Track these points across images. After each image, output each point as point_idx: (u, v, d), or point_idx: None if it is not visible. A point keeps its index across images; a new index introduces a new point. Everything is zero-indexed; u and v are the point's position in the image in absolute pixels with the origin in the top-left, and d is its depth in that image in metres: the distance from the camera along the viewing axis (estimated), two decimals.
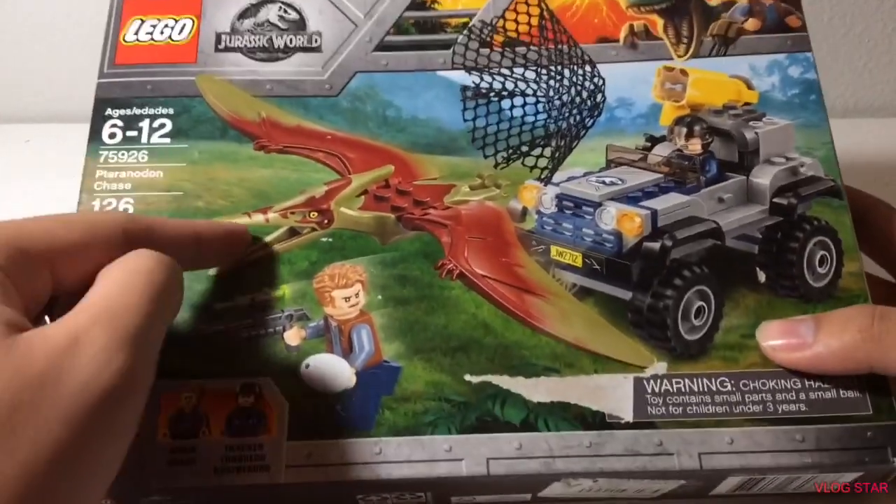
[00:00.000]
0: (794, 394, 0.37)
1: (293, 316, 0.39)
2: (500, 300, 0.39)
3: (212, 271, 0.39)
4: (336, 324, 0.38)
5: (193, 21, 0.46)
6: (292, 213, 0.41)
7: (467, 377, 0.37)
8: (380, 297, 0.39)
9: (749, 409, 0.36)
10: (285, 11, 0.46)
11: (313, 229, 0.40)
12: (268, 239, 0.40)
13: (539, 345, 0.38)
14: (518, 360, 0.37)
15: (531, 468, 0.36)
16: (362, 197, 0.42)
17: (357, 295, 0.39)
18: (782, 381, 0.37)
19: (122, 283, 0.31)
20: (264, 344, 0.38)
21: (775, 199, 0.41)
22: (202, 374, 0.37)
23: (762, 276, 0.40)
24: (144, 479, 0.35)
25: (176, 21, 0.46)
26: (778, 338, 0.37)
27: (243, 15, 0.46)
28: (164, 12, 0.46)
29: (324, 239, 0.40)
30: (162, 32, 0.45)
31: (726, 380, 0.37)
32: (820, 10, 0.59)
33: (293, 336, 0.38)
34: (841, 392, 0.36)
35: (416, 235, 0.40)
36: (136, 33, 0.45)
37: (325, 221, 0.41)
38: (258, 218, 0.41)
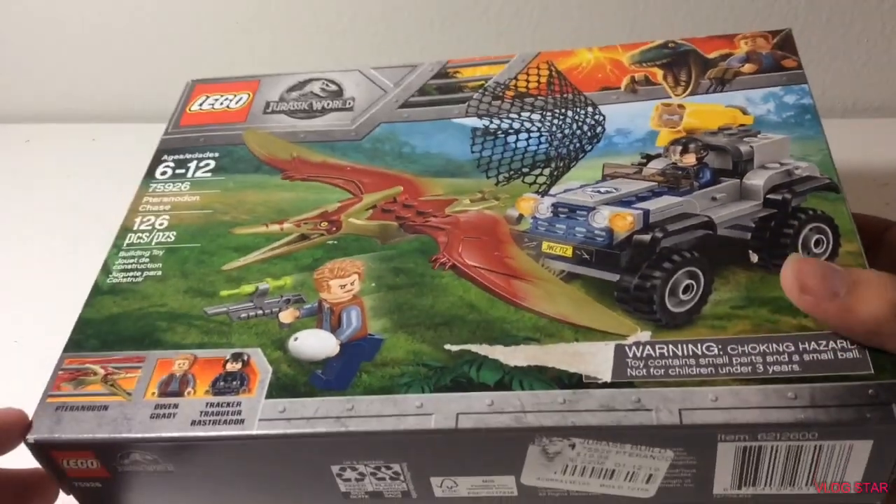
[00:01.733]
0: (786, 356, 0.34)
1: (290, 300, 0.41)
2: (487, 284, 0.39)
3: (224, 266, 0.42)
4: (329, 305, 0.40)
5: (249, 95, 0.53)
6: (305, 223, 0.44)
7: (447, 346, 0.37)
8: (373, 284, 0.40)
9: (736, 370, 0.34)
10: (326, 85, 0.53)
11: (322, 235, 0.43)
12: (279, 242, 0.43)
13: (521, 319, 0.38)
14: (499, 333, 0.37)
15: (501, 422, 0.34)
16: (370, 210, 0.45)
17: (353, 283, 0.41)
18: (774, 344, 0.35)
19: None
20: (259, 323, 0.40)
21: (769, 195, 0.41)
22: (198, 346, 0.39)
23: (755, 258, 0.39)
24: (125, 430, 0.36)
25: (235, 95, 0.53)
26: (810, 278, 0.34)
27: (292, 89, 0.53)
28: (227, 91, 0.53)
29: (330, 242, 0.43)
30: (221, 103, 0.53)
31: (713, 345, 0.35)
32: (819, 9, 0.60)
33: (287, 316, 0.40)
34: (839, 354, 0.34)
35: (415, 237, 0.43)
36: (201, 105, 0.53)
37: (334, 229, 0.44)
38: (274, 228, 0.44)
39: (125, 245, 0.45)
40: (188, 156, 0.49)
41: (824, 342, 0.34)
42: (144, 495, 0.39)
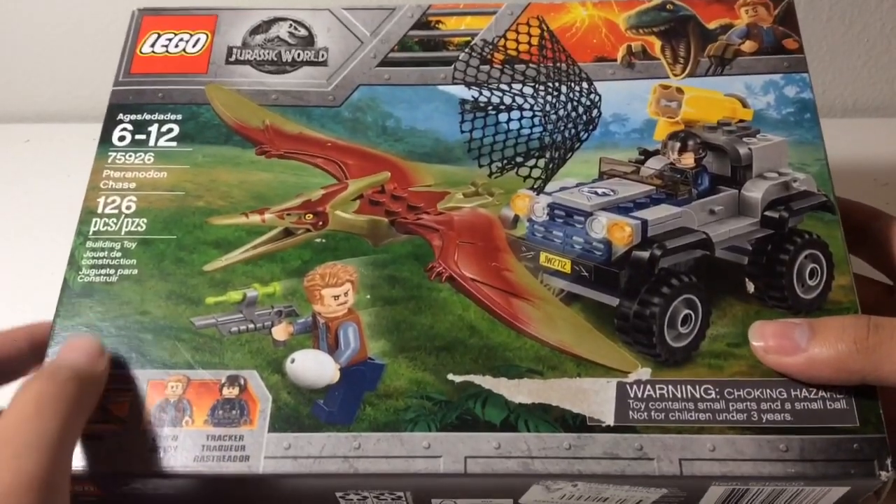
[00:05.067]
0: (779, 403, 0.36)
1: (282, 312, 0.39)
2: (487, 303, 0.39)
3: (206, 266, 0.40)
4: (324, 321, 0.39)
5: (207, 36, 0.48)
6: (288, 214, 0.42)
7: (450, 376, 0.37)
8: (368, 296, 0.39)
9: (732, 416, 0.36)
10: (295, 28, 0.48)
11: (307, 230, 0.41)
12: (262, 238, 0.41)
13: (523, 347, 0.38)
14: (502, 362, 0.38)
15: (509, 468, 0.35)
16: (357, 201, 0.42)
17: (346, 294, 0.40)
18: (767, 390, 0.36)
19: (16, 411, 0.32)
20: (252, 339, 0.39)
21: (767, 213, 0.41)
22: (190, 365, 0.38)
23: (751, 287, 0.39)
24: (126, 465, 0.36)
25: (191, 35, 0.48)
26: (771, 339, 0.36)
27: (255, 31, 0.48)
28: (181, 28, 0.48)
29: (317, 240, 0.41)
30: (177, 46, 0.47)
31: (710, 387, 0.37)
32: (819, 10, 0.59)
33: (281, 332, 0.39)
34: (827, 403, 0.36)
35: (407, 239, 0.41)
36: (153, 46, 0.47)
37: (320, 223, 0.42)
38: (255, 218, 0.42)
39: (91, 233, 0.41)
40: (147, 116, 0.45)
41: (814, 390, 0.36)
42: None
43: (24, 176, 0.60)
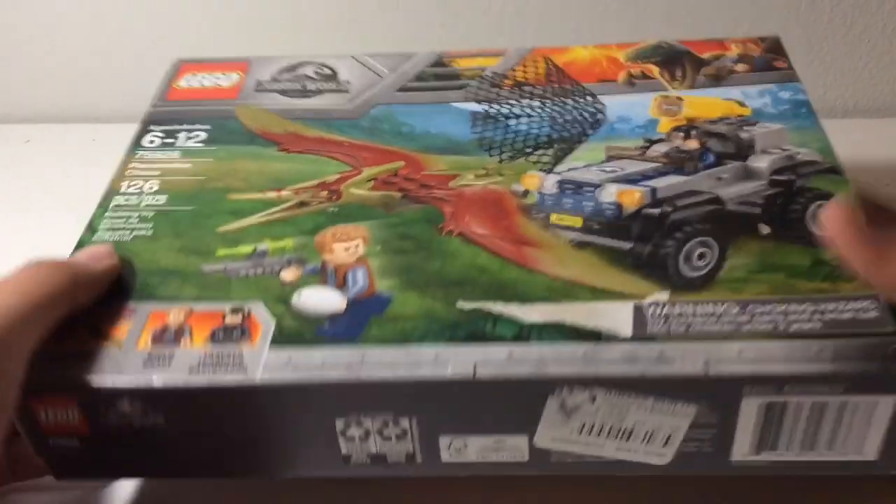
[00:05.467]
0: (807, 315, 0.34)
1: (291, 261, 0.39)
2: (496, 249, 0.39)
3: (220, 228, 0.41)
4: (333, 267, 0.38)
5: (239, 74, 0.52)
6: (304, 191, 0.43)
7: (460, 304, 0.36)
8: (379, 247, 0.39)
9: (758, 327, 0.34)
10: (320, 68, 0.52)
11: (321, 203, 0.42)
12: (278, 208, 0.42)
13: (535, 281, 0.37)
14: (513, 293, 0.36)
15: (521, 372, 0.33)
16: (371, 181, 0.44)
17: (357, 247, 0.40)
18: (794, 305, 0.35)
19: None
20: (260, 279, 0.38)
21: (774, 177, 0.41)
22: (194, 299, 0.37)
23: (765, 230, 0.39)
24: (116, 377, 0.34)
25: (224, 74, 0.52)
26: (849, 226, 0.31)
27: (284, 70, 0.52)
28: (216, 70, 0.52)
29: (331, 209, 0.42)
30: (211, 81, 0.51)
31: (733, 304, 0.35)
32: (820, 10, 0.61)
33: (289, 274, 0.38)
34: (859, 313, 0.34)
35: (420, 207, 0.42)
36: (189, 82, 0.51)
37: (334, 198, 0.42)
38: (270, 195, 0.43)
39: (112, 206, 0.42)
40: (177, 126, 0.48)
41: (843, 303, 0.34)
42: (125, 457, 0.36)
43: (24, 176, 0.59)
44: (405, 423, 0.34)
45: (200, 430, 0.35)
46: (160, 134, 0.47)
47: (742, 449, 0.35)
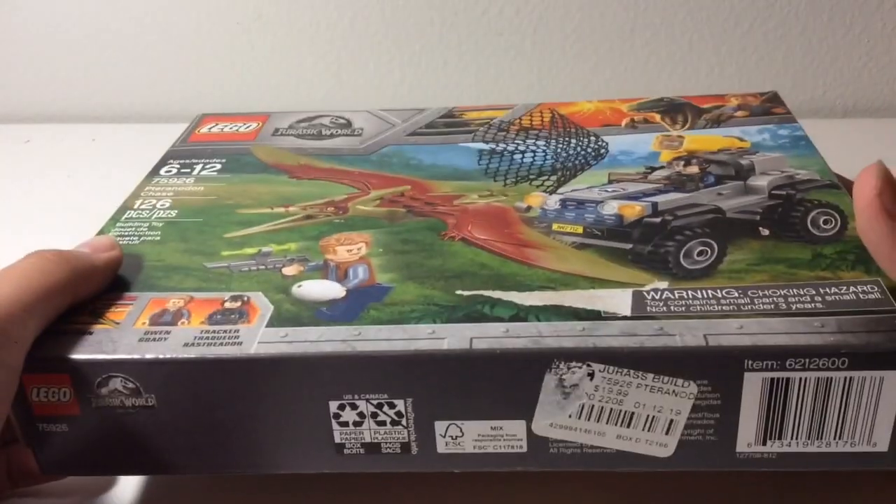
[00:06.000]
0: (808, 297, 0.34)
1: (294, 259, 0.39)
2: (498, 251, 0.39)
3: (227, 234, 0.41)
4: (335, 264, 0.39)
5: (259, 124, 0.54)
6: (311, 207, 0.44)
7: (459, 291, 0.36)
8: (381, 249, 0.40)
9: (759, 307, 0.33)
10: (336, 119, 0.54)
11: (327, 216, 0.43)
12: (285, 219, 0.43)
13: (534, 274, 0.37)
14: (513, 283, 0.36)
15: (518, 345, 0.32)
16: (378, 200, 0.44)
17: (360, 248, 0.40)
18: (794, 289, 0.34)
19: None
20: (262, 274, 0.38)
21: (774, 192, 0.42)
22: (195, 289, 0.37)
23: (765, 232, 0.39)
24: (109, 351, 0.34)
25: (245, 124, 0.54)
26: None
27: (301, 120, 0.54)
28: (237, 121, 0.55)
29: (336, 220, 0.43)
30: (231, 128, 0.54)
31: (733, 290, 0.35)
32: (820, 10, 0.61)
33: (291, 269, 0.39)
34: (860, 295, 0.33)
35: (423, 219, 0.42)
36: (210, 129, 0.54)
37: (340, 212, 0.43)
38: (279, 209, 0.44)
39: (123, 218, 0.44)
40: (194, 160, 0.50)
41: (845, 287, 0.34)
42: (114, 447, 0.35)
43: (24, 176, 0.59)
44: (400, 405, 0.34)
45: (191, 413, 0.34)
46: (177, 166, 0.49)
47: (748, 436, 0.33)
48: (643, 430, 0.33)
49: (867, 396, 0.32)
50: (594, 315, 0.34)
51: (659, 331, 0.32)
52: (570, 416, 0.33)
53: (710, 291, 0.35)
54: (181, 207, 0.44)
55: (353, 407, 0.34)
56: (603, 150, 0.48)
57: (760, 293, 0.34)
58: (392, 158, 0.49)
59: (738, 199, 0.42)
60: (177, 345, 0.34)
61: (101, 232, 0.42)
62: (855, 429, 0.33)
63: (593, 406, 0.33)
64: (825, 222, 0.39)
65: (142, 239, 0.42)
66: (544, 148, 0.49)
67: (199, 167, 0.49)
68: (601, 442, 0.34)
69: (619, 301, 0.35)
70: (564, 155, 0.48)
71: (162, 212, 0.44)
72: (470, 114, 0.54)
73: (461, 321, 0.34)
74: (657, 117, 0.51)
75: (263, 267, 0.39)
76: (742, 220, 0.40)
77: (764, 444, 0.33)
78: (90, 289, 0.36)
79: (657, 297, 0.35)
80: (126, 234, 0.42)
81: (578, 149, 0.48)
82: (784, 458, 0.33)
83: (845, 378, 0.32)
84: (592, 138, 0.49)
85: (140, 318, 0.35)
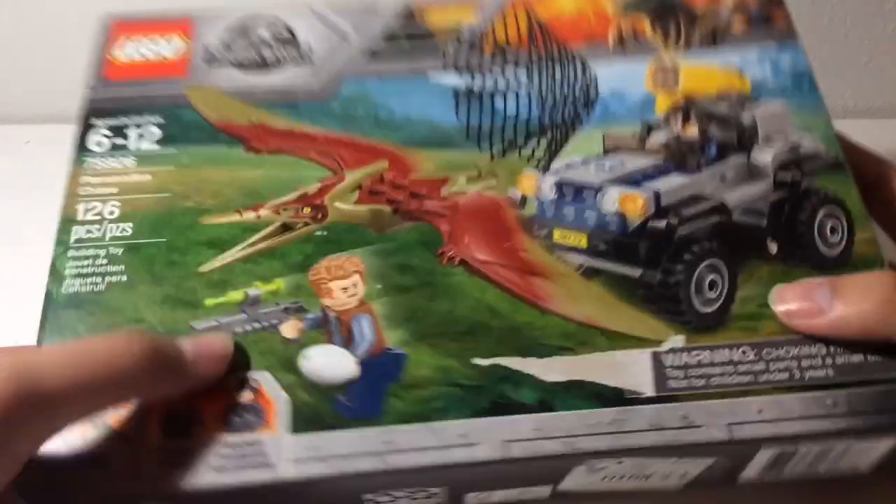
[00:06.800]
0: (820, 359, 0.35)
1: (289, 309, 0.37)
2: (504, 283, 0.37)
3: (201, 267, 0.38)
4: (335, 314, 0.37)
5: (184, 41, 0.45)
6: (284, 209, 0.39)
7: (476, 360, 0.35)
8: (379, 286, 0.37)
9: (774, 377, 0.34)
10: (276, 30, 0.46)
11: (306, 224, 0.39)
12: (260, 235, 0.39)
13: (549, 325, 0.36)
14: (529, 341, 0.36)
15: (552, 449, 0.33)
16: (356, 192, 0.40)
17: (355, 285, 0.37)
18: (806, 347, 0.35)
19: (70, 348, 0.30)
20: (259, 339, 0.36)
21: (779, 175, 0.40)
22: None
23: (773, 248, 0.38)
24: (137, 484, 0.32)
25: (167, 41, 0.45)
26: (793, 302, 0.35)
27: (234, 32, 0.46)
28: (154, 31, 0.46)
29: (318, 233, 0.39)
30: (153, 51, 0.45)
31: (748, 349, 0.35)
32: (820, 10, 0.60)
33: (290, 329, 0.36)
34: (868, 356, 0.35)
35: (413, 226, 0.39)
36: (127, 52, 0.45)
37: (319, 216, 0.39)
38: (249, 215, 0.39)
39: (72, 242, 0.38)
40: (124, 119, 0.42)
41: (853, 343, 0.35)
42: None
43: (24, 176, 0.58)
44: (434, 489, 0.35)
45: None
46: (107, 132, 0.42)
47: (750, 476, 0.36)
48: (659, 480, 0.36)
49: (862, 451, 0.35)
50: (618, 396, 0.34)
51: (685, 420, 0.33)
52: (592, 482, 0.36)
53: (725, 352, 0.35)
54: (134, 217, 0.39)
55: (389, 496, 0.35)
56: (593, 90, 0.43)
57: (774, 353, 0.35)
58: (358, 108, 0.43)
59: (743, 189, 0.40)
60: (205, 469, 0.32)
61: (53, 264, 0.37)
62: (843, 466, 0.36)
63: (615, 474, 0.35)
64: (832, 230, 0.39)
65: (106, 281, 0.37)
66: (527, 86, 0.44)
67: (133, 134, 0.42)
68: (618, 487, 0.37)
69: (639, 370, 0.35)
70: (551, 99, 0.43)
71: (114, 227, 0.39)
72: (433, 15, 0.46)
73: (488, 413, 0.34)
74: (647, 28, 0.45)
75: (258, 324, 0.36)
76: (749, 227, 0.39)
77: (762, 479, 0.37)
78: (172, 391, 0.33)
79: (676, 363, 0.35)
80: (85, 270, 0.37)
81: (565, 88, 0.43)
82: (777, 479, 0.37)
83: (845, 446, 0.34)
84: (579, 66, 0.44)
85: (150, 428, 0.33)
